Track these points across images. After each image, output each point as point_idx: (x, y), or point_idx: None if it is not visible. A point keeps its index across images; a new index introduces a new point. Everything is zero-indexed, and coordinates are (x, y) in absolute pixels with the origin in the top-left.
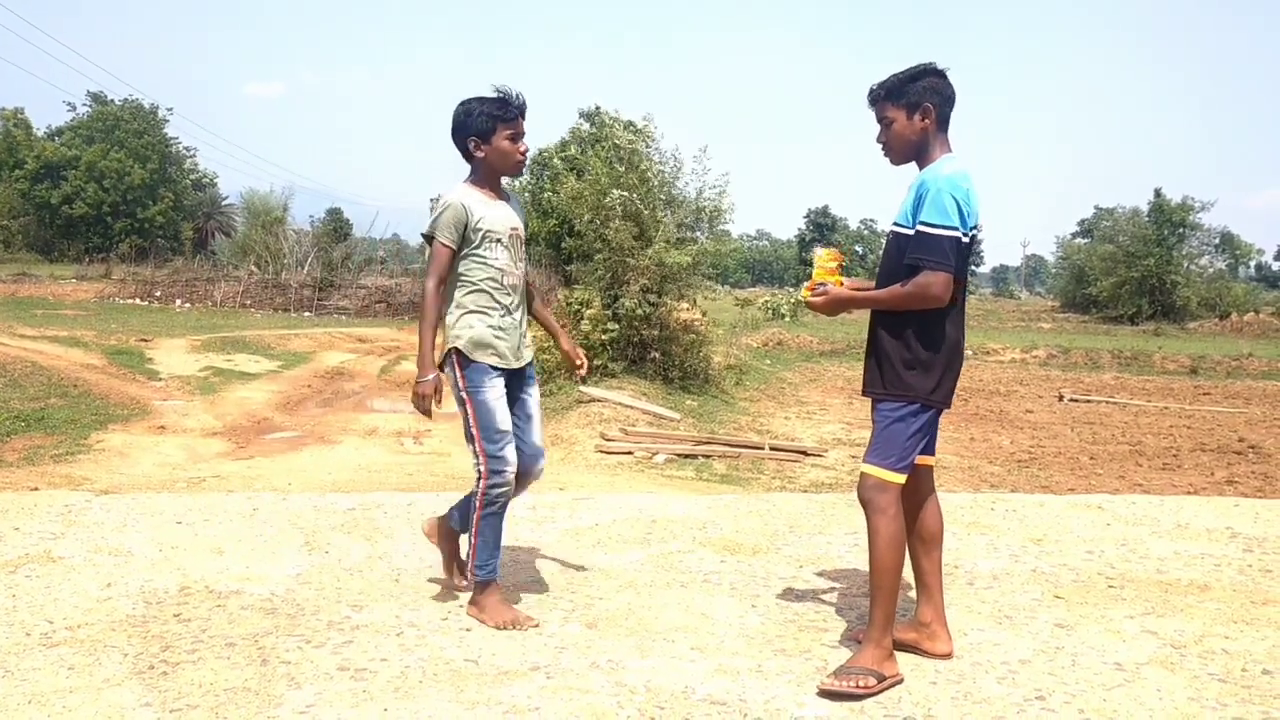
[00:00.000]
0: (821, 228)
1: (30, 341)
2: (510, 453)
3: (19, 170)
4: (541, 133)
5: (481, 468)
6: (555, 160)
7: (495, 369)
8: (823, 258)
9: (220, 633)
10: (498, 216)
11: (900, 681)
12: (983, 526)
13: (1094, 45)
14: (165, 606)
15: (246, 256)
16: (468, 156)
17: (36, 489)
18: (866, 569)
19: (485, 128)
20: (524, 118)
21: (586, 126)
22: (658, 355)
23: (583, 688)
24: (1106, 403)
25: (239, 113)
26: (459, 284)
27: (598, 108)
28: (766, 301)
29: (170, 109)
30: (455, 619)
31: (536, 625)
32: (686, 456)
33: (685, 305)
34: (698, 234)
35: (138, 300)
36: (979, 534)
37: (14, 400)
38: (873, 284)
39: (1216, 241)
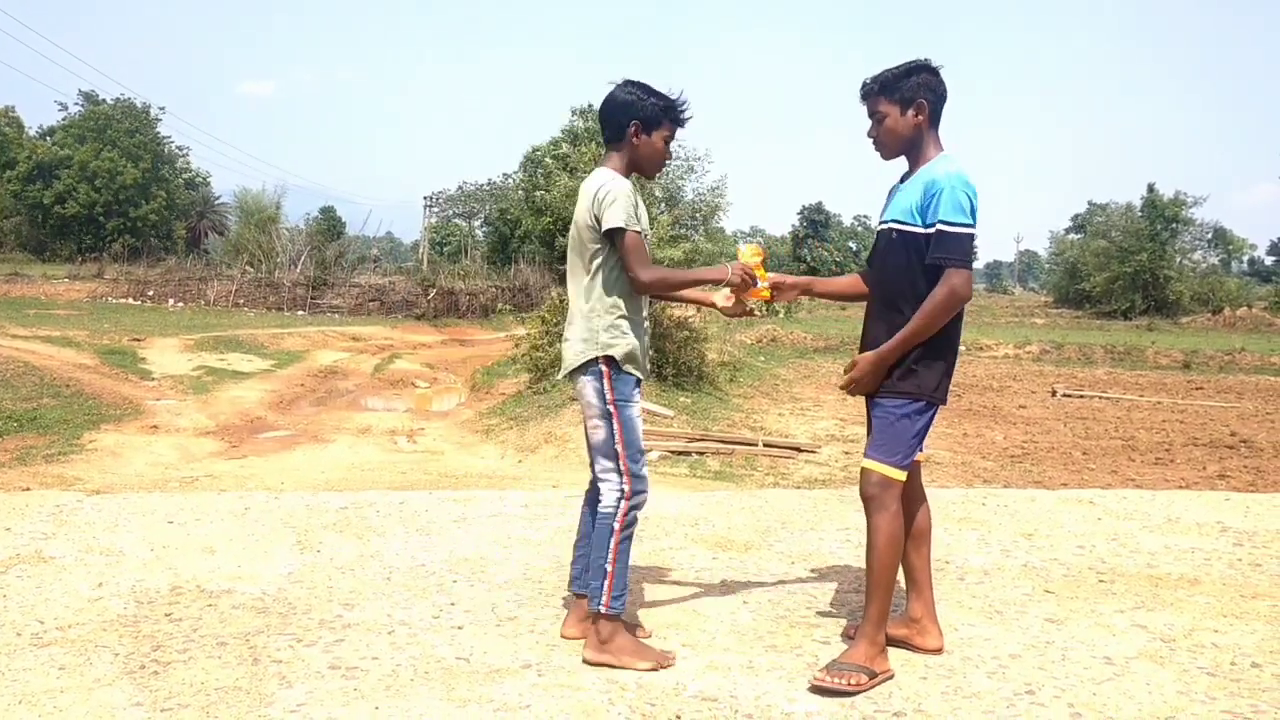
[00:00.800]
0: (815, 224)
1: (23, 341)
2: (648, 472)
3: (11, 170)
4: (534, 129)
5: (625, 487)
6: (548, 159)
7: (639, 382)
8: (745, 254)
9: (211, 632)
10: (644, 214)
11: (891, 677)
12: (974, 522)
13: (1088, 42)
14: (156, 606)
15: (239, 255)
16: (617, 140)
17: (28, 489)
18: (858, 565)
19: (653, 117)
20: (683, 126)
21: (580, 124)
22: (652, 352)
23: (574, 685)
24: (1099, 398)
25: (232, 111)
26: (609, 284)
27: (590, 105)
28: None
29: (163, 108)
30: (446, 617)
31: (674, 659)
32: (680, 453)
33: (678, 302)
34: (692, 233)
35: (130, 300)
36: (970, 529)
37: (6, 400)
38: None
39: (1209, 236)
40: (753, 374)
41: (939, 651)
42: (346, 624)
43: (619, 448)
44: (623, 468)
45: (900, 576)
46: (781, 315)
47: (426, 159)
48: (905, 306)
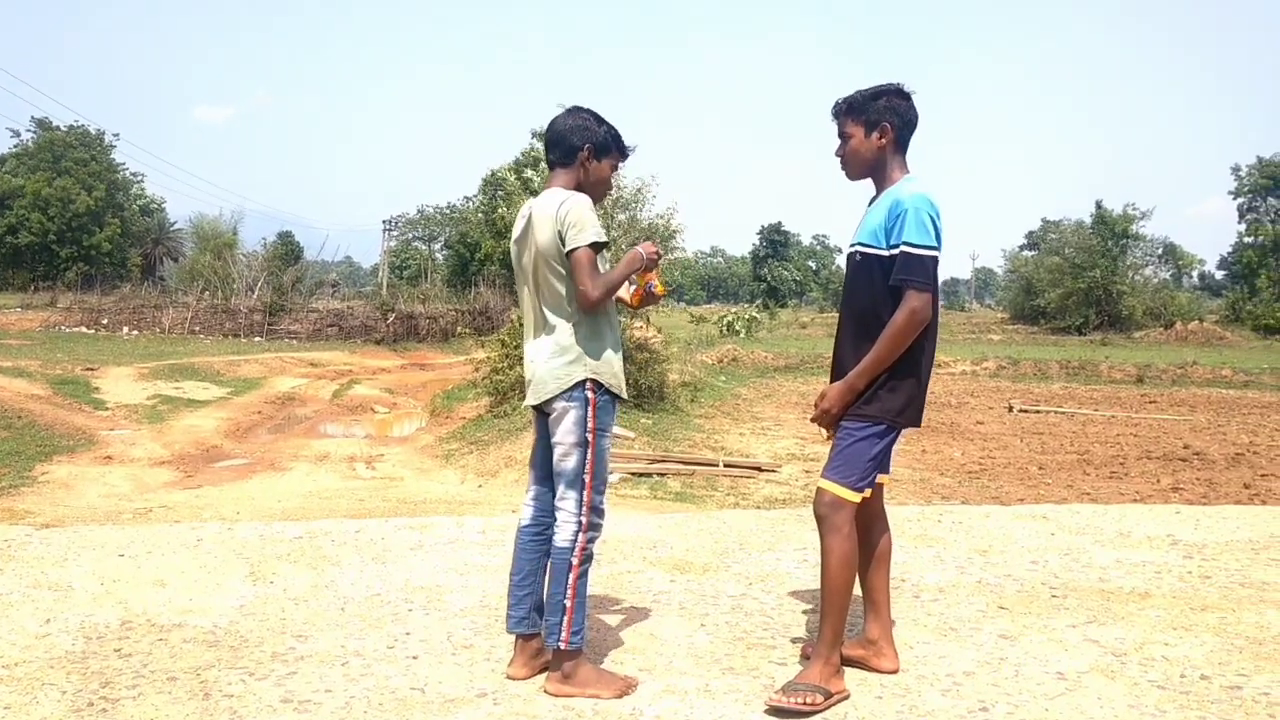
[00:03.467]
0: (775, 244)
1: None
2: (606, 503)
3: None
4: (495, 152)
5: (584, 519)
6: (510, 180)
7: (615, 409)
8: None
9: (162, 667)
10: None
11: (847, 697)
12: (930, 539)
13: (1040, 57)
14: (106, 641)
15: (195, 282)
16: (567, 162)
17: None
18: (815, 586)
19: (604, 144)
20: (626, 159)
21: (540, 146)
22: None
23: (530, 714)
24: (1055, 413)
25: (188, 137)
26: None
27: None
28: (722, 317)
29: (117, 135)
30: (401, 647)
31: (637, 684)
32: (641, 475)
33: (640, 323)
34: None
35: (84, 329)
36: (926, 546)
37: None
38: None
39: (1160, 252)
40: (714, 394)
41: (894, 672)
42: (299, 656)
43: (586, 478)
44: (585, 499)
45: (859, 595)
46: (743, 335)
47: (385, 183)
48: (874, 330)
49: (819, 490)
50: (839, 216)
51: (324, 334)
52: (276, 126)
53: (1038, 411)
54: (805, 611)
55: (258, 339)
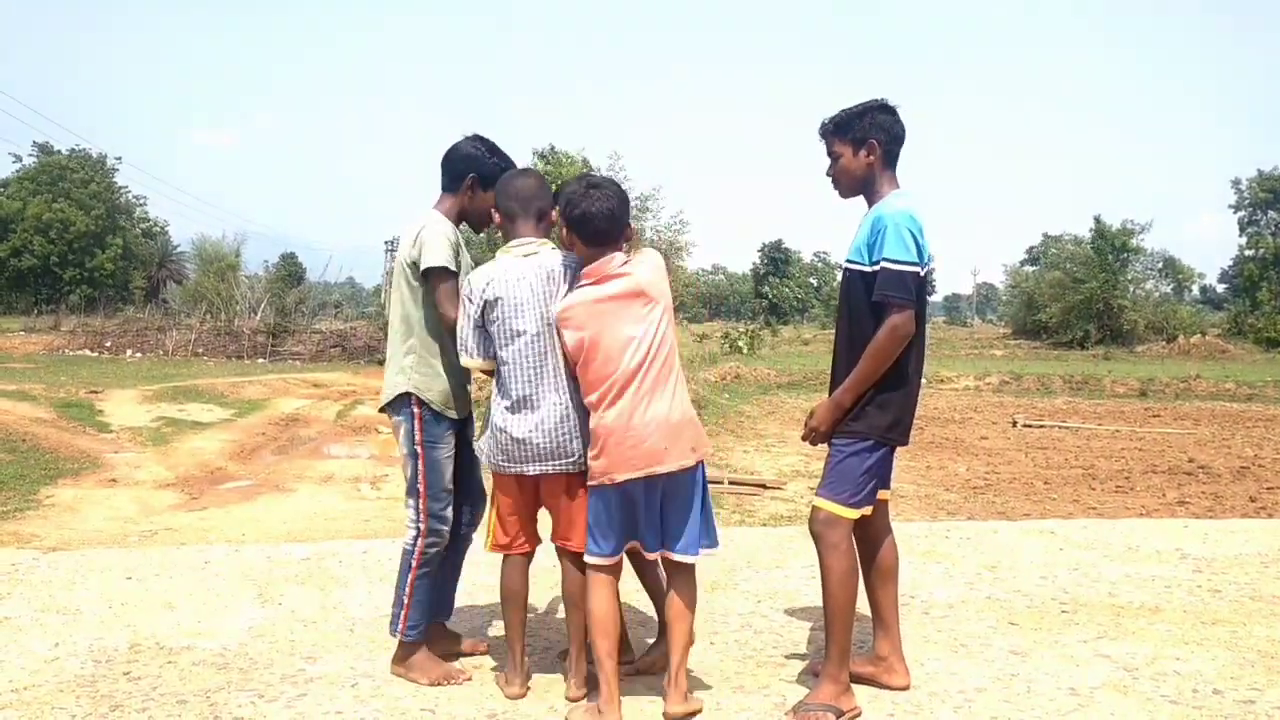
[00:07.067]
0: (776, 261)
1: None
2: (450, 514)
3: None
4: None
5: (422, 525)
6: None
7: (453, 423)
8: None
9: (171, 690)
10: (466, 258)
11: (859, 715)
12: (938, 555)
13: (1038, 75)
14: (115, 665)
15: (198, 304)
16: (452, 188)
17: None
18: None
19: (490, 176)
20: None
21: (542, 166)
22: None
23: None
24: (1059, 427)
25: (191, 160)
26: (431, 324)
27: (552, 147)
28: (725, 335)
29: (119, 158)
30: None
31: (469, 678)
32: None
33: None
34: None
35: (88, 351)
36: (934, 563)
37: None
38: None
39: (1159, 266)
40: (717, 411)
41: (905, 689)
42: (309, 678)
43: (420, 487)
44: (421, 507)
45: (868, 612)
46: (746, 352)
47: (387, 203)
48: (863, 346)
49: (814, 509)
50: (839, 233)
51: (327, 355)
52: (279, 149)
53: (1041, 426)
54: (814, 628)
55: (261, 360)
